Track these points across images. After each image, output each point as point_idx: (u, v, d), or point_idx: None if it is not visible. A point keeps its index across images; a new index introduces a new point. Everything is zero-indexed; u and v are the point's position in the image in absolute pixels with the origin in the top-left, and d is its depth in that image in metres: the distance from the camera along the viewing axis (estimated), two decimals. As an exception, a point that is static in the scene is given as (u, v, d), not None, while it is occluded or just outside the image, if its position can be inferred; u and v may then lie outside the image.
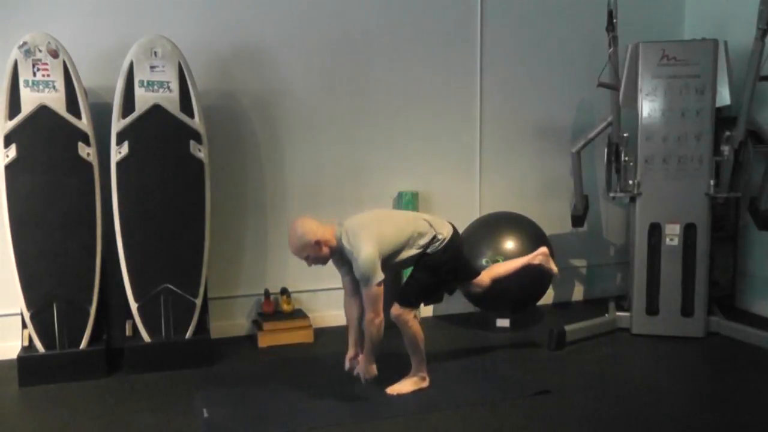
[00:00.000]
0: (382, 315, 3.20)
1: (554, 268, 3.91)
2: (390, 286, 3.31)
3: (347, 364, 3.49)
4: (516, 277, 3.86)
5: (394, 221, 3.37)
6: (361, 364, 3.35)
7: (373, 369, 3.32)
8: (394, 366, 3.60)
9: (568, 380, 3.64)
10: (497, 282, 3.75)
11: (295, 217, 4.45)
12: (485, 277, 3.71)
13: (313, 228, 3.22)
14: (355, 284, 3.35)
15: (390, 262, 3.27)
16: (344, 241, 3.22)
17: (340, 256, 3.32)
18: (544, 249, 3.88)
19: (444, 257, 3.37)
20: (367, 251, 3.12)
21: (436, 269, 3.38)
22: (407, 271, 3.55)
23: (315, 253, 3.24)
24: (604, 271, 5.35)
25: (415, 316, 3.36)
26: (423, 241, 3.33)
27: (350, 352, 3.50)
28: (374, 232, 3.21)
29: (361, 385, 3.42)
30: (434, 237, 3.36)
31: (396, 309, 3.33)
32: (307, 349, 4.18)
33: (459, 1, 4.75)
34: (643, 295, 4.36)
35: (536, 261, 3.85)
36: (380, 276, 3.14)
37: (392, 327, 3.35)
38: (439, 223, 3.44)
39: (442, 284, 3.52)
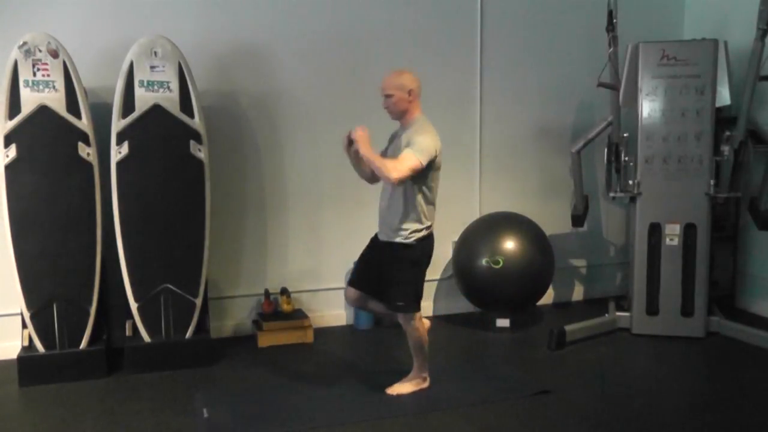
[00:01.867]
0: (398, 180, 3.08)
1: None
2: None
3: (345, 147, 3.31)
4: (517, 271, 3.77)
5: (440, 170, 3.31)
6: (365, 132, 3.18)
7: (366, 144, 3.16)
8: (394, 366, 3.61)
9: (568, 380, 3.64)
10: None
11: (294, 217, 4.51)
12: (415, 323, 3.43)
13: (417, 83, 3.24)
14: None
15: (422, 175, 3.18)
16: (418, 125, 3.21)
17: (399, 135, 3.28)
18: (427, 324, 3.51)
19: (424, 249, 3.29)
20: (432, 141, 3.15)
21: (418, 263, 3.29)
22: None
23: (399, 99, 3.21)
24: (604, 271, 5.35)
25: (418, 318, 3.34)
26: (429, 210, 3.26)
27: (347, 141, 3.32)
28: (439, 144, 3.21)
29: (361, 385, 3.42)
30: (429, 221, 3.28)
31: (401, 318, 3.31)
32: (307, 349, 4.18)
33: (459, 1, 4.75)
34: (643, 295, 4.36)
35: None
36: (426, 160, 3.10)
37: (395, 327, 3.34)
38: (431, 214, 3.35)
39: (422, 279, 3.35)
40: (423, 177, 3.20)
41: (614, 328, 4.44)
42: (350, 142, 3.24)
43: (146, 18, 4.04)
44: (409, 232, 3.24)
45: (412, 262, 3.28)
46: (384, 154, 3.32)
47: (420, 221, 3.25)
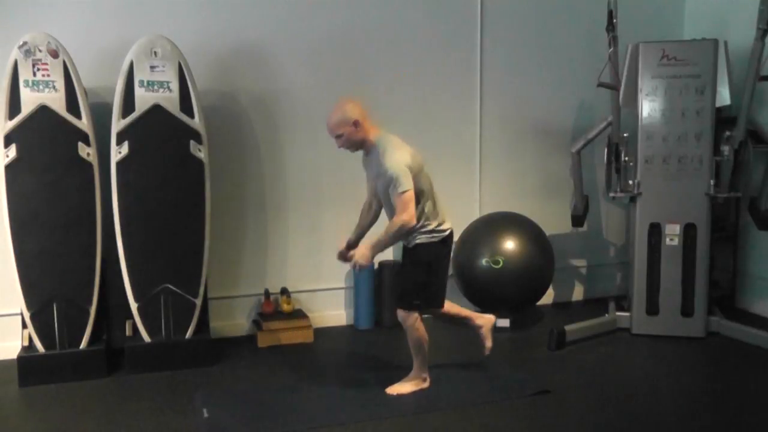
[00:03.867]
0: (415, 219, 3.14)
1: (488, 344, 3.68)
2: (392, 288, 3.30)
3: (337, 255, 3.40)
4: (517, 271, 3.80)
5: (424, 168, 3.32)
6: (360, 248, 3.25)
7: (370, 258, 3.21)
8: (394, 366, 3.61)
9: (568, 380, 3.64)
10: (444, 317, 3.65)
11: (294, 217, 4.51)
12: (445, 309, 3.58)
13: (358, 109, 3.20)
14: (376, 195, 3.32)
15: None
16: (380, 148, 3.20)
17: (369, 160, 3.29)
18: (492, 318, 3.73)
19: (439, 251, 3.33)
20: (399, 157, 3.13)
21: (430, 264, 3.33)
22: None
23: (349, 134, 3.20)
24: (604, 271, 5.35)
25: (418, 318, 3.35)
26: (430, 210, 3.27)
27: (343, 246, 3.41)
28: (410, 152, 3.21)
29: (361, 385, 3.42)
30: (438, 220, 3.31)
31: (401, 313, 3.32)
32: (307, 349, 4.18)
33: (459, 1, 4.75)
34: (643, 295, 4.36)
35: (478, 322, 3.68)
36: (410, 182, 3.10)
37: (395, 327, 3.34)
38: (448, 216, 3.40)
39: (437, 282, 3.41)
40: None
41: (614, 328, 4.44)
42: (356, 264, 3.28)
43: (146, 18, 4.04)
44: (428, 235, 3.29)
45: (423, 263, 3.32)
46: (372, 180, 3.34)
47: (428, 219, 3.29)
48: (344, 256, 3.44)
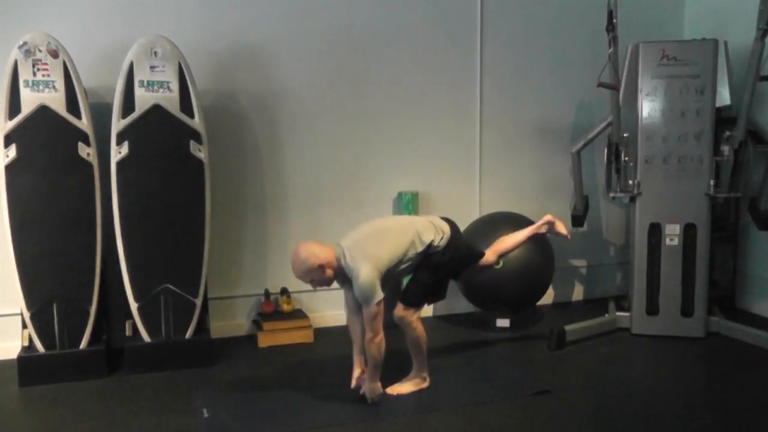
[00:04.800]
0: (381, 334, 3.19)
1: (564, 230, 3.84)
2: (391, 288, 3.30)
3: (353, 383, 3.44)
4: (517, 271, 3.76)
5: (392, 234, 3.30)
6: (366, 384, 3.32)
7: (378, 388, 3.30)
8: (394, 366, 3.60)
9: (568, 380, 3.64)
10: (503, 256, 3.80)
11: (294, 217, 4.51)
12: (491, 255, 3.70)
13: (315, 251, 3.19)
14: (357, 301, 3.31)
15: (391, 273, 3.26)
16: (344, 262, 3.20)
17: (342, 276, 3.29)
18: (548, 216, 3.87)
19: (445, 257, 3.36)
20: (366, 273, 3.11)
21: (437, 269, 3.37)
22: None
23: (319, 277, 3.21)
24: (604, 271, 5.35)
25: (418, 317, 3.35)
26: (422, 247, 3.30)
27: (356, 371, 3.45)
28: (373, 252, 3.19)
29: (361, 386, 3.42)
30: (435, 240, 3.33)
31: (400, 310, 3.32)
32: (307, 349, 4.18)
33: (459, 1, 4.75)
34: (643, 295, 4.36)
35: (543, 230, 3.85)
36: (380, 296, 3.13)
37: (394, 327, 3.34)
38: (438, 224, 3.41)
39: (445, 281, 3.49)
40: (393, 272, 3.26)
41: (614, 328, 4.44)
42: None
43: (146, 18, 4.04)
44: (432, 248, 3.34)
45: (431, 267, 3.35)
46: (348, 286, 3.34)
47: (431, 245, 3.33)
48: (360, 386, 3.40)
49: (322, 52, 4.47)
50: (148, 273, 3.77)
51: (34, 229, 3.57)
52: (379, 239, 3.27)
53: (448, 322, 4.72)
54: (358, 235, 3.31)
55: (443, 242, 3.35)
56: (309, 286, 4.48)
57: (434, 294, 3.47)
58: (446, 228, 3.41)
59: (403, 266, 3.30)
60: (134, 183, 3.71)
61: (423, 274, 3.36)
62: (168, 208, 3.77)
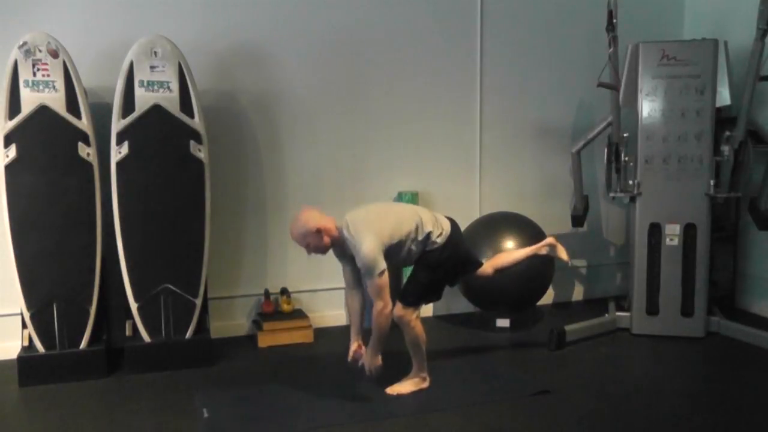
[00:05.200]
0: (390, 304, 3.20)
1: (564, 255, 3.81)
2: (391, 287, 3.30)
3: (350, 356, 3.44)
4: (517, 271, 3.84)
5: (395, 214, 3.35)
6: (366, 356, 3.32)
7: (378, 360, 3.29)
8: (394, 366, 3.60)
9: (568, 380, 3.64)
10: (500, 272, 3.75)
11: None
12: (488, 268, 3.69)
13: (316, 217, 3.24)
14: (356, 276, 3.35)
15: (391, 255, 3.26)
16: (346, 233, 3.22)
17: (341, 248, 3.31)
18: (551, 238, 3.86)
19: (443, 255, 3.36)
20: (368, 242, 3.13)
21: (436, 268, 3.37)
22: (407, 270, 3.55)
23: (316, 242, 3.23)
24: (604, 271, 5.35)
25: (417, 317, 3.36)
26: (423, 237, 3.31)
27: (353, 345, 3.45)
28: (375, 224, 3.22)
29: (362, 383, 3.42)
30: (434, 233, 3.33)
31: (398, 309, 3.32)
32: (307, 349, 4.18)
33: (459, 1, 4.75)
34: (643, 295, 4.36)
35: (543, 251, 3.82)
36: (383, 265, 3.13)
37: (394, 327, 3.34)
38: (440, 219, 3.43)
39: (443, 281, 3.50)
40: (393, 254, 3.25)
41: (614, 328, 4.44)
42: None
43: (146, 18, 4.04)
44: (431, 246, 3.33)
45: (429, 266, 3.36)
46: (350, 268, 3.37)
47: (429, 242, 3.33)
48: (357, 359, 3.42)
49: (322, 52, 4.47)
50: (148, 273, 3.77)
51: (34, 229, 3.57)
52: (382, 216, 3.30)
53: (448, 322, 4.72)
54: (363, 210, 3.34)
55: (441, 239, 3.35)
56: (308, 286, 4.54)
57: (432, 293, 3.48)
58: (447, 226, 3.41)
59: (403, 251, 3.29)
60: (134, 183, 3.71)
61: (421, 273, 3.38)
62: (168, 208, 3.77)
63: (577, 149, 4.61)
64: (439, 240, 3.35)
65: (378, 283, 3.13)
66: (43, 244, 3.59)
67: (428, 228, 3.33)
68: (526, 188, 5.04)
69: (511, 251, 3.87)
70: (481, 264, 3.67)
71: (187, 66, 3.75)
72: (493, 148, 4.93)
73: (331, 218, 3.29)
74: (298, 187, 4.51)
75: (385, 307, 3.18)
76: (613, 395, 3.44)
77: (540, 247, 3.82)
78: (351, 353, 3.44)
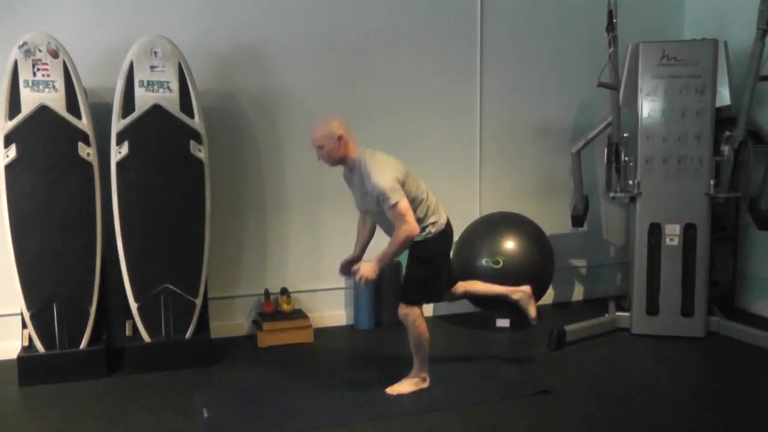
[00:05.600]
0: (417, 228, 3.16)
1: (533, 313, 3.72)
2: (393, 288, 3.31)
3: (340, 267, 3.41)
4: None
5: (411, 174, 3.32)
6: (366, 264, 3.24)
7: (375, 272, 3.22)
8: (394, 366, 3.61)
9: (568, 380, 3.64)
10: (468, 295, 3.77)
11: (294, 217, 4.51)
12: (460, 287, 3.66)
13: (344, 127, 3.25)
14: (367, 205, 3.33)
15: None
16: (363, 164, 3.21)
17: (351, 175, 3.31)
18: (527, 288, 3.77)
19: (436, 248, 3.34)
20: (385, 172, 3.13)
21: (430, 260, 3.34)
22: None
23: (330, 148, 3.23)
24: (604, 271, 5.35)
25: (420, 315, 3.35)
26: (422, 213, 3.28)
27: (349, 258, 3.42)
28: (393, 164, 3.22)
29: (361, 385, 3.42)
30: (430, 216, 3.31)
31: (402, 309, 3.33)
32: (307, 349, 4.18)
33: (459, 1, 4.75)
34: (643, 295, 4.36)
35: (515, 296, 3.72)
36: (400, 193, 3.11)
37: (396, 327, 3.34)
38: (441, 211, 3.42)
39: (441, 277, 3.46)
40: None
41: (614, 328, 4.44)
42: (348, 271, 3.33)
43: (146, 18, 4.04)
44: (422, 231, 3.27)
45: (422, 259, 3.33)
46: (360, 198, 3.36)
47: (428, 217, 3.30)
48: (347, 270, 3.43)
49: (322, 53, 4.47)
50: (148, 273, 3.77)
51: (34, 229, 3.57)
52: (400, 166, 3.26)
53: (448, 322, 4.72)
54: (383, 153, 3.31)
55: (435, 228, 3.31)
56: (308, 286, 4.54)
57: (432, 290, 3.43)
58: (443, 219, 3.39)
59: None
60: (134, 183, 3.71)
61: (417, 269, 3.34)
62: (168, 208, 3.77)
63: (577, 149, 4.61)
64: (433, 229, 3.31)
65: (399, 207, 3.10)
66: (43, 244, 3.59)
67: (431, 206, 3.31)
68: (526, 188, 5.04)
69: (486, 283, 3.79)
70: (457, 280, 3.66)
71: (187, 66, 3.75)
72: (493, 147, 4.93)
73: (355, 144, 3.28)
74: (298, 187, 4.51)
75: (413, 229, 3.13)
76: (613, 395, 3.44)
77: (514, 291, 3.73)
78: (344, 263, 3.40)
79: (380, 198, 3.15)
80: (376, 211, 3.30)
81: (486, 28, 4.82)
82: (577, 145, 4.64)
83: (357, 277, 3.25)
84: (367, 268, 3.23)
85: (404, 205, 3.13)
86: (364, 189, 3.24)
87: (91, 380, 3.65)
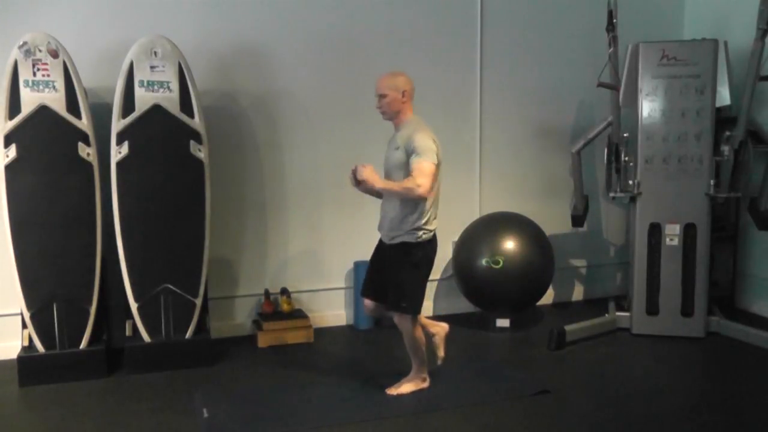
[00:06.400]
0: (426, 192, 3.12)
1: (441, 353, 3.56)
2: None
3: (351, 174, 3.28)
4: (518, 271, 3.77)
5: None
6: (372, 170, 3.17)
7: (377, 183, 3.17)
8: (394, 366, 3.61)
9: (568, 380, 3.64)
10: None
11: (294, 217, 4.51)
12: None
13: (410, 85, 3.28)
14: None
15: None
16: (412, 125, 3.22)
17: (395, 138, 3.29)
18: (447, 328, 3.60)
19: (426, 253, 3.28)
20: (432, 143, 3.15)
21: (419, 266, 3.28)
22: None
23: (392, 99, 3.24)
24: (604, 271, 5.35)
25: (415, 321, 3.33)
26: (427, 217, 3.23)
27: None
28: (436, 144, 3.20)
29: (361, 385, 3.42)
30: (429, 215, 3.26)
31: (397, 318, 3.31)
32: (307, 349, 4.18)
33: (459, 1, 4.75)
34: (643, 295, 4.36)
35: (432, 330, 3.56)
36: (435, 159, 3.12)
37: (395, 327, 3.35)
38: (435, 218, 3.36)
39: (425, 282, 3.36)
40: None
41: (614, 328, 4.44)
42: (358, 181, 3.23)
43: (146, 18, 4.04)
44: (416, 233, 3.24)
45: (414, 264, 3.27)
46: (387, 156, 3.33)
47: (428, 222, 3.26)
48: (356, 173, 3.25)
49: (322, 53, 4.47)
50: (148, 273, 3.77)
51: (34, 229, 3.57)
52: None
53: (448, 322, 4.68)
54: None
55: (426, 235, 3.25)
56: (308, 286, 4.54)
57: (421, 294, 3.32)
58: (433, 228, 3.32)
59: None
60: (134, 183, 3.71)
61: (409, 275, 3.26)
62: (168, 208, 3.77)
63: (577, 149, 4.61)
64: (425, 236, 3.25)
65: (427, 164, 3.09)
66: (43, 244, 3.59)
67: (433, 214, 3.27)
68: (526, 188, 5.04)
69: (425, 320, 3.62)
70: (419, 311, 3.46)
71: (187, 66, 3.75)
72: (493, 147, 4.93)
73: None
74: (298, 187, 4.51)
75: (425, 189, 3.09)
76: (613, 395, 3.45)
77: (434, 326, 3.59)
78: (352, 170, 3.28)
79: (413, 150, 3.13)
80: (392, 167, 3.24)
81: (486, 28, 4.82)
82: (577, 145, 4.64)
83: (358, 173, 3.19)
84: (371, 176, 3.17)
85: (431, 168, 3.12)
86: (396, 144, 3.23)
87: (91, 380, 3.65)
